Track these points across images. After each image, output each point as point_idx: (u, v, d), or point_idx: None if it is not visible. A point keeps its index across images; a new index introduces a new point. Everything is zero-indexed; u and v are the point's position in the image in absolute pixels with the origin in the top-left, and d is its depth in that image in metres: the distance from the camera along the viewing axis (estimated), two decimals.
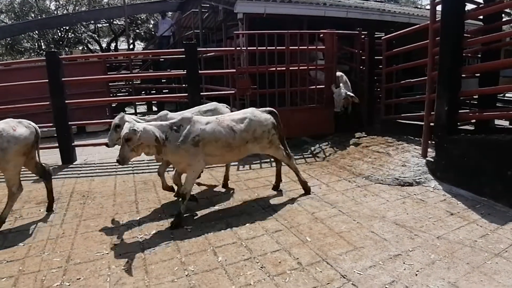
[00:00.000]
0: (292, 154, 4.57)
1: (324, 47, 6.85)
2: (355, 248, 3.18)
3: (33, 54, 21.08)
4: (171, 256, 3.18)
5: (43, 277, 2.94)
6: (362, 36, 7.43)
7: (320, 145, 6.43)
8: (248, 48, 6.56)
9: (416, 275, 2.78)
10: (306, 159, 5.95)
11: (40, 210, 4.29)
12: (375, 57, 7.42)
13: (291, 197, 4.40)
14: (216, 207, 4.18)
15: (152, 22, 23.18)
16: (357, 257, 3.03)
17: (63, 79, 6.05)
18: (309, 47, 6.75)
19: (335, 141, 6.55)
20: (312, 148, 6.36)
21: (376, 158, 5.54)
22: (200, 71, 6.54)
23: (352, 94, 6.59)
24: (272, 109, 4.38)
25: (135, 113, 10.69)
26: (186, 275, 2.89)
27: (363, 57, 7.52)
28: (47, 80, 5.99)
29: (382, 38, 7.07)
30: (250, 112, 4.16)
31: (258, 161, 5.88)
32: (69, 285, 2.83)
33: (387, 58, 6.89)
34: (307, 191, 4.50)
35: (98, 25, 22.20)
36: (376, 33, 7.82)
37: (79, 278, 2.91)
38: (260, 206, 4.16)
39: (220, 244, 3.34)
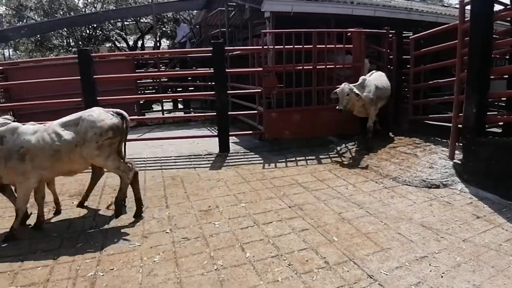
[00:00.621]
0: (131, 168, 3.93)
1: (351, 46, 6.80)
2: (382, 249, 3.19)
3: (62, 51, 21.74)
4: (200, 250, 3.26)
5: (78, 267, 3.07)
6: (390, 35, 7.34)
7: (347, 145, 6.39)
8: (275, 46, 6.58)
9: (442, 277, 2.79)
10: (332, 158, 5.94)
11: (73, 203, 4.45)
12: (403, 57, 7.32)
13: (317, 196, 4.40)
14: (243, 204, 4.23)
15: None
16: (384, 258, 3.04)
17: (94, 76, 6.23)
18: (337, 46, 6.71)
19: (362, 141, 6.49)
20: (338, 148, 6.33)
21: (403, 159, 5.51)
22: (227, 70, 6.60)
23: (357, 92, 5.62)
24: (121, 111, 3.82)
25: (162, 111, 10.93)
26: (215, 269, 2.96)
27: (390, 56, 7.43)
28: (79, 77, 6.19)
29: (410, 37, 7.00)
30: (88, 111, 3.72)
31: (284, 160, 5.90)
32: (102, 275, 2.95)
33: (415, 58, 6.80)
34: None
35: (125, 23, 22.69)
36: (403, 32, 7.71)
37: (113, 269, 3.02)
38: (286, 204, 4.19)
39: (247, 240, 3.40)
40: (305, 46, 6.38)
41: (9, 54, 23.81)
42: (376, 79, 6.20)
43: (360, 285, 2.71)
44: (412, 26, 9.43)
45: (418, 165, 5.18)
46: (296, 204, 4.18)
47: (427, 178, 4.75)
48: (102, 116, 3.67)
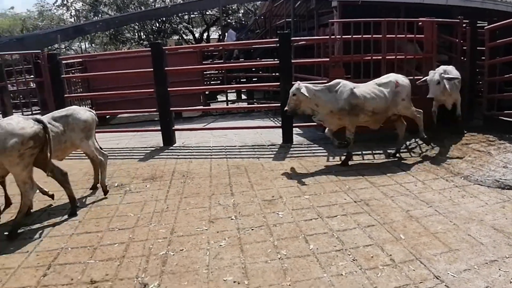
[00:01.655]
0: (33, 189, 3.71)
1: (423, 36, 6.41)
2: (450, 250, 3.05)
3: (133, 44, 23.10)
4: (264, 238, 3.32)
5: (151, 246, 3.29)
6: (464, 25, 6.81)
7: (416, 140, 6.08)
8: (343, 36, 6.41)
9: (511, 282, 2.61)
10: (401, 154, 5.68)
11: (146, 186, 4.76)
12: (477, 48, 6.79)
13: (384, 192, 4.26)
14: (307, 196, 4.22)
15: (241, 11, 23.84)
16: (452, 259, 2.91)
17: (166, 68, 6.55)
18: (407, 36, 6.37)
19: (433, 136, 6.13)
20: (408, 143, 6.04)
21: (476, 157, 5.19)
22: (292, 60, 6.57)
23: (305, 93, 4.89)
24: (41, 118, 3.71)
25: (226, 101, 11.21)
26: (279, 258, 3.00)
27: (464, 47, 6.91)
28: (152, 69, 6.54)
29: (485, 27, 6.50)
30: (7, 119, 3.56)
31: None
32: (173, 254, 3.13)
33: (490, 50, 6.31)
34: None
35: (191, 16, 23.47)
36: (478, 22, 7.13)
37: (182, 250, 3.20)
38: (352, 198, 4.11)
39: (311, 232, 3.39)
40: (374, 36, 6.14)
41: (86, 47, 25.79)
42: (367, 85, 5.25)
43: (425, 285, 2.62)
44: (485, 16, 8.68)
45: (492, 164, 4.86)
46: (362, 199, 4.08)
47: (500, 178, 4.44)
48: (22, 124, 3.50)
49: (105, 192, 4.51)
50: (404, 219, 3.59)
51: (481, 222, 3.50)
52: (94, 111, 4.61)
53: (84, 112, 4.37)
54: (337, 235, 3.32)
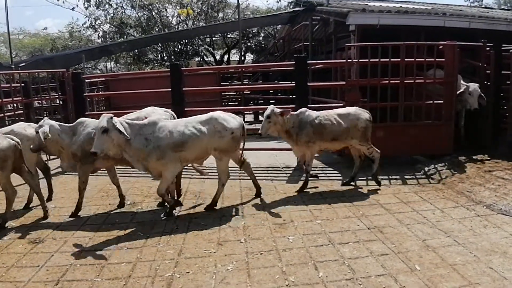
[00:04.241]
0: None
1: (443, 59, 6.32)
2: (469, 283, 2.88)
3: (156, 64, 23.72)
4: (273, 264, 3.24)
5: (157, 266, 3.25)
6: (487, 48, 6.70)
7: (436, 165, 5.90)
8: (360, 60, 6.38)
9: None
10: (419, 180, 5.52)
11: (194, 202, 4.82)
12: (502, 72, 6.65)
13: (400, 219, 4.12)
14: (318, 221, 4.12)
15: (262, 35, 24.25)
16: None
17: (184, 88, 6.65)
18: (427, 60, 6.29)
19: (453, 162, 5.95)
20: (426, 169, 5.86)
21: (500, 185, 4.99)
22: (309, 83, 6.57)
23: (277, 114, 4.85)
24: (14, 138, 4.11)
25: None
26: (286, 285, 2.91)
27: (487, 71, 6.78)
28: (170, 90, 6.66)
29: (511, 51, 6.36)
30: None
31: (364, 178, 5.64)
32: (179, 277, 3.08)
33: None
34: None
35: (213, 38, 24.02)
36: (503, 45, 7.00)
37: (188, 272, 3.15)
38: (365, 225, 3.98)
39: (321, 259, 3.29)
40: (392, 60, 6.09)
41: (111, 67, 26.63)
42: (323, 112, 5.23)
43: None
44: (510, 39, 8.53)
45: None
46: (376, 226, 3.95)
47: None
48: None
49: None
50: (420, 249, 3.44)
51: (505, 254, 3.32)
52: None
53: None
54: (348, 263, 3.21)
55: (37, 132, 4.28)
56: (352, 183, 5.39)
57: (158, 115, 4.99)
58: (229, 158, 4.63)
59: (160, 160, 4.08)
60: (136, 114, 5.28)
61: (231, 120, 4.52)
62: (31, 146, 4.30)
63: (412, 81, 6.24)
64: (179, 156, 4.18)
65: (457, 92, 6.28)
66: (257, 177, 5.82)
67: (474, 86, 6.27)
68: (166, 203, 4.54)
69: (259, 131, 4.90)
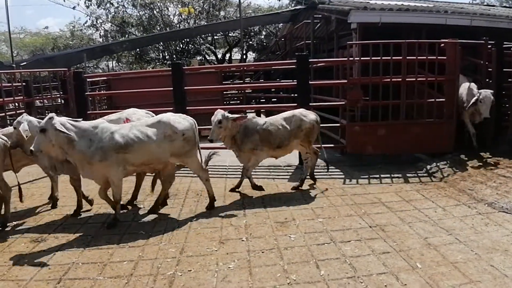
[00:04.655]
0: None
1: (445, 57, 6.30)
2: (470, 281, 2.88)
3: (158, 63, 23.73)
4: (274, 262, 3.24)
5: (159, 265, 3.26)
6: (489, 46, 6.67)
7: (438, 164, 5.89)
8: (362, 58, 6.37)
9: None
10: (421, 178, 5.52)
11: (195, 201, 4.81)
12: (503, 70, 6.62)
13: (401, 218, 4.11)
14: (320, 219, 4.12)
15: (263, 33, 24.24)
16: None
17: (185, 87, 6.65)
18: (428, 57, 6.27)
19: (455, 160, 5.94)
20: (428, 167, 5.86)
21: (501, 183, 5.00)
22: (310, 82, 6.57)
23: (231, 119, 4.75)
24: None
25: None
26: (288, 283, 2.91)
27: (489, 69, 6.75)
28: (171, 88, 6.65)
29: None
30: None
31: (366, 176, 5.65)
32: (181, 275, 3.09)
33: None
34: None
35: (215, 37, 24.01)
36: (504, 43, 6.97)
37: (190, 270, 3.15)
38: (367, 223, 3.98)
39: (323, 257, 3.29)
40: (393, 58, 6.08)
41: (113, 66, 26.64)
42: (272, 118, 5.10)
43: None
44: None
45: None
46: (378, 225, 3.95)
47: None
48: None
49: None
50: (421, 247, 3.44)
51: (506, 252, 3.32)
52: None
53: None
54: (350, 261, 3.21)
55: (15, 128, 4.25)
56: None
57: (139, 116, 4.97)
58: (196, 158, 4.47)
59: (103, 162, 3.94)
60: (117, 115, 5.22)
61: (181, 121, 4.30)
62: (9, 143, 4.22)
63: (414, 79, 6.23)
64: (123, 158, 4.03)
65: (471, 102, 5.96)
66: (258, 176, 5.86)
67: (486, 93, 5.91)
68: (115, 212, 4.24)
69: (209, 137, 4.73)
